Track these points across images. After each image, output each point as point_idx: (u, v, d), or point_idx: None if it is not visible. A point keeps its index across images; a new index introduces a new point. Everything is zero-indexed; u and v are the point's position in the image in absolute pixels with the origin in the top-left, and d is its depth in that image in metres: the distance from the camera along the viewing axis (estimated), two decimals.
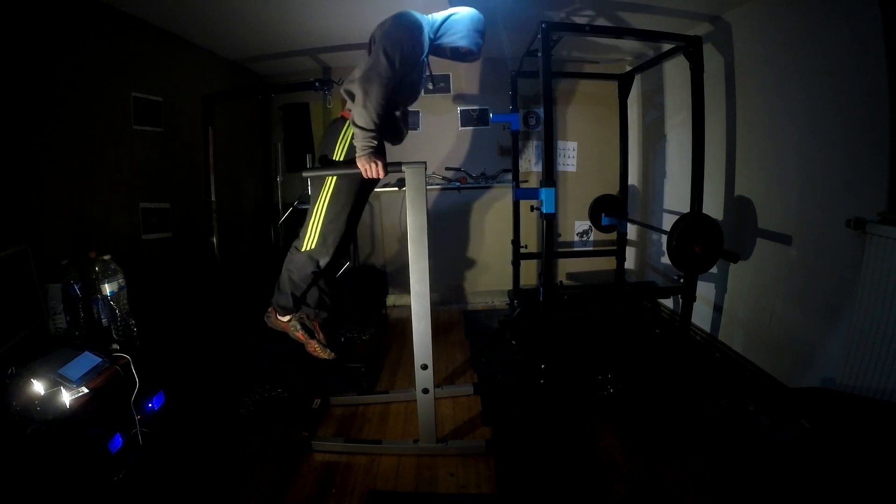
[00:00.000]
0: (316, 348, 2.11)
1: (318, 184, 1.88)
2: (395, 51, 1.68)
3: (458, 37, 1.88)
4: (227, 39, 2.91)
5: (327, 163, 1.89)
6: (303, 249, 1.92)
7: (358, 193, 1.92)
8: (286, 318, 2.06)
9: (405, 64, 1.73)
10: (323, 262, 1.93)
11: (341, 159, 1.87)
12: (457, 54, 1.97)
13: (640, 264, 3.76)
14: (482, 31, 1.91)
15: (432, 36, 1.87)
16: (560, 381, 2.33)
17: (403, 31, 1.73)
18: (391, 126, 1.90)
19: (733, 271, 2.61)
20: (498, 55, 3.50)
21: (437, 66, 3.56)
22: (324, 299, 2.11)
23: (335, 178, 1.85)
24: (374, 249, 3.86)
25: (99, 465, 1.54)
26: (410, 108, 2.08)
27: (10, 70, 1.76)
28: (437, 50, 1.94)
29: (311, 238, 1.90)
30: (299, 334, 2.08)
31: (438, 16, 1.91)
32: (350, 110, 1.80)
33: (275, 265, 2.08)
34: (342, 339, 2.87)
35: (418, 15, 1.80)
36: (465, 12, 1.90)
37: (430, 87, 2.19)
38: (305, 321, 2.09)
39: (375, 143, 1.72)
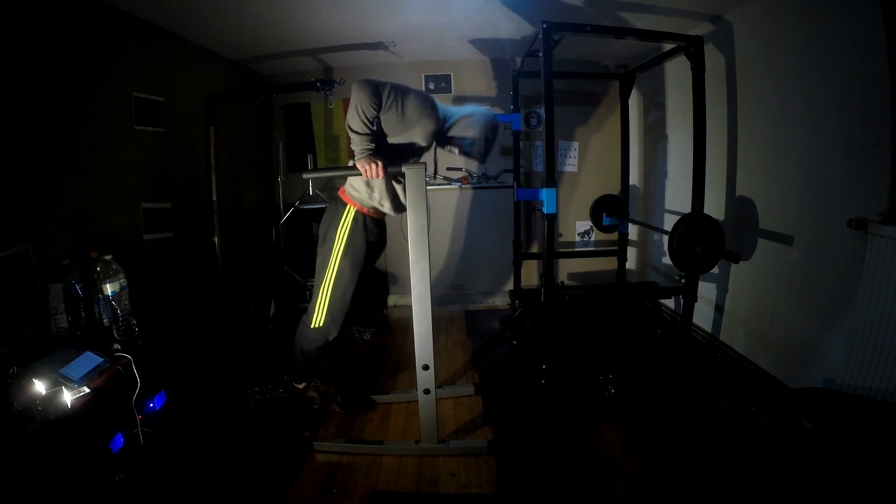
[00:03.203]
0: (334, 408, 2.18)
1: (323, 263, 1.94)
2: (383, 91, 1.72)
3: (467, 141, 1.92)
4: (229, 40, 2.92)
5: (328, 243, 1.93)
6: (312, 326, 1.97)
7: (362, 271, 1.97)
8: (302, 386, 2.15)
9: (396, 109, 1.74)
10: (332, 337, 1.99)
11: (343, 243, 1.91)
12: (462, 152, 2.00)
13: (641, 264, 3.75)
14: (491, 140, 1.96)
15: (444, 128, 1.91)
16: (561, 381, 2.33)
17: (407, 91, 1.77)
18: (393, 199, 1.92)
19: (734, 271, 2.60)
20: (500, 55, 3.50)
21: (438, 66, 3.59)
22: (335, 367, 2.19)
23: (339, 259, 1.92)
24: None
25: (100, 465, 1.54)
26: None
27: (11, 70, 1.76)
28: (445, 145, 1.99)
29: (319, 316, 1.95)
30: (317, 401, 2.17)
31: (455, 109, 1.95)
32: (346, 190, 1.94)
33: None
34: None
35: (434, 100, 1.86)
36: (479, 116, 1.92)
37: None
38: (321, 388, 2.18)
39: (373, 145, 1.73)
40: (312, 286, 2.01)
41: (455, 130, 1.92)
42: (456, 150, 1.98)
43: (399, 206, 1.93)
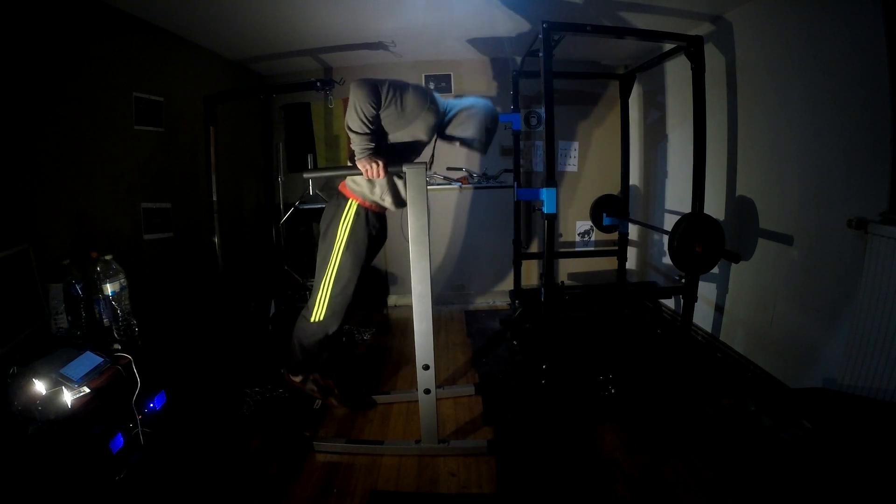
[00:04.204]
0: (332, 401, 2.18)
1: (325, 257, 1.94)
2: (382, 88, 1.72)
3: (468, 133, 1.92)
4: (229, 40, 2.91)
5: (330, 237, 1.93)
6: (312, 320, 1.97)
7: (363, 265, 1.97)
8: (299, 379, 2.13)
9: (396, 106, 1.74)
10: (332, 331, 1.99)
11: (345, 237, 1.91)
12: (464, 144, 1.99)
13: (641, 264, 3.75)
14: (492, 131, 1.96)
15: (444, 121, 1.91)
16: (562, 381, 2.33)
17: (406, 87, 1.78)
18: (395, 194, 1.93)
19: (735, 271, 2.60)
20: (500, 55, 3.50)
21: (438, 66, 3.59)
22: (332, 362, 2.19)
23: (341, 253, 1.92)
24: None
25: (100, 465, 1.54)
26: None
27: (11, 70, 1.77)
28: (447, 137, 1.98)
29: (319, 310, 1.95)
30: (315, 394, 2.16)
31: (455, 101, 1.95)
32: (347, 184, 1.94)
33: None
34: (343, 340, 2.88)
35: (433, 93, 1.86)
36: (479, 108, 1.92)
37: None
38: (319, 381, 2.17)
39: (373, 144, 1.73)
40: (312, 286, 2.01)
41: (455, 123, 1.92)
42: (457, 143, 1.98)
43: (400, 201, 1.93)
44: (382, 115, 1.74)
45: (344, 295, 1.94)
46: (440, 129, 1.93)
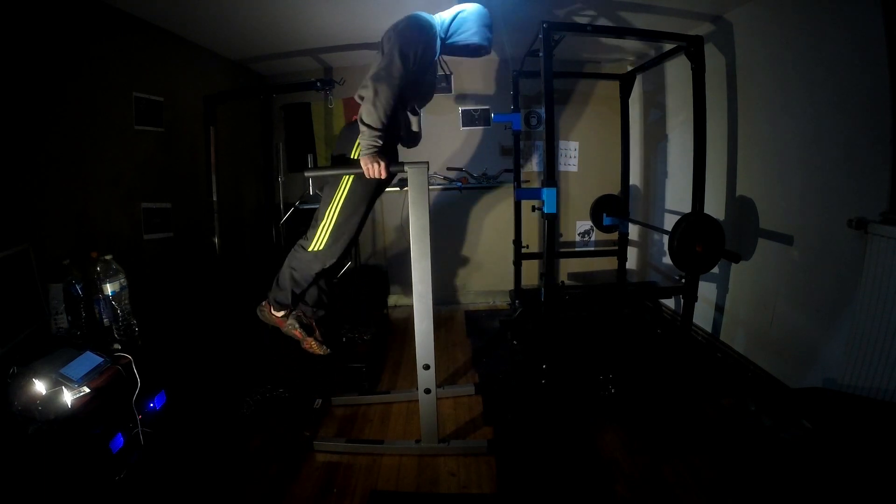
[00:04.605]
0: (312, 345, 2.10)
1: (333, 185, 1.89)
2: (409, 51, 1.70)
3: (468, 34, 1.89)
4: (229, 39, 2.91)
5: (341, 161, 1.89)
6: (310, 249, 1.92)
7: (371, 200, 1.94)
8: (281, 314, 2.05)
9: (419, 64, 1.75)
10: (328, 263, 1.95)
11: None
12: (468, 51, 1.97)
13: (641, 264, 3.75)
14: (490, 25, 1.93)
15: (443, 35, 1.89)
16: (562, 381, 2.33)
17: (418, 33, 1.74)
18: (406, 128, 1.92)
19: (735, 271, 2.60)
20: (500, 55, 3.50)
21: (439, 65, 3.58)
22: (322, 298, 2.11)
23: (351, 180, 1.86)
24: (375, 249, 3.86)
25: (100, 465, 1.54)
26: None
27: (11, 70, 1.76)
28: (450, 49, 1.95)
29: (320, 238, 1.90)
30: (296, 332, 2.07)
31: (446, 15, 1.92)
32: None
33: (276, 265, 2.08)
34: (343, 339, 2.88)
35: (429, 16, 1.82)
36: (471, 9, 1.91)
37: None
38: (303, 318, 2.09)
39: (380, 142, 1.72)
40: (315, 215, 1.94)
41: (453, 30, 1.89)
42: (462, 53, 1.96)
43: (411, 137, 1.93)
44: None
45: (349, 224, 1.89)
46: (442, 43, 1.90)
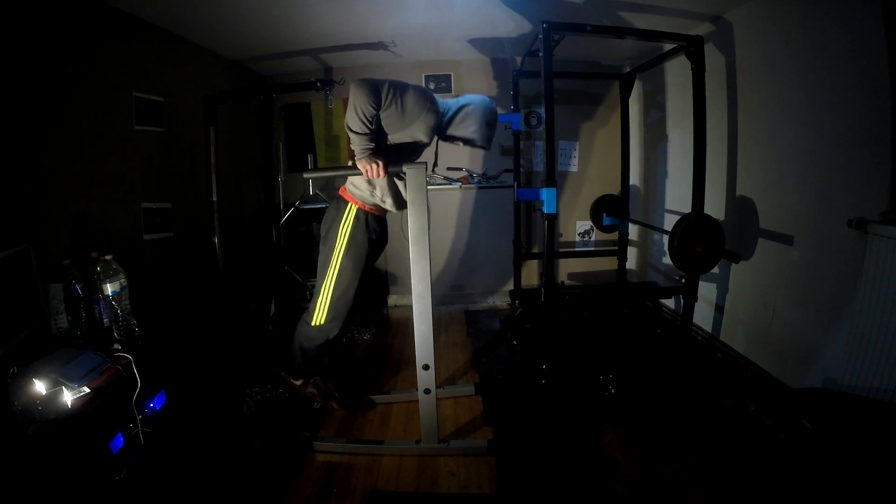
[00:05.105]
0: (333, 405, 2.18)
1: (325, 261, 1.94)
2: (400, 86, 1.75)
3: (469, 131, 1.92)
4: (229, 40, 2.91)
5: (330, 241, 1.94)
6: (313, 324, 1.97)
7: (364, 268, 1.97)
8: (299, 382, 2.14)
9: (402, 108, 1.74)
10: (332, 335, 1.99)
11: (345, 241, 1.91)
12: (464, 142, 1.99)
13: (641, 264, 3.75)
14: (493, 125, 1.95)
15: (444, 122, 1.91)
16: (562, 381, 2.33)
17: (420, 90, 1.80)
18: (395, 195, 1.93)
19: (735, 271, 2.60)
20: (500, 55, 3.50)
21: (439, 66, 3.59)
22: (333, 365, 2.20)
23: (342, 257, 1.92)
24: None
25: (100, 465, 1.54)
26: None
27: (11, 70, 1.76)
28: (448, 138, 1.98)
29: (320, 314, 1.95)
30: (315, 397, 2.17)
31: (452, 101, 1.94)
32: (347, 188, 1.95)
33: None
34: (343, 340, 2.88)
35: (436, 96, 1.87)
36: (477, 104, 1.92)
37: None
38: (320, 384, 2.18)
39: (373, 144, 1.73)
40: (313, 286, 2.01)
41: (455, 123, 1.92)
42: (460, 143, 1.98)
43: (401, 203, 1.93)
44: (382, 115, 1.74)
45: (345, 299, 1.94)
46: (441, 130, 1.93)
